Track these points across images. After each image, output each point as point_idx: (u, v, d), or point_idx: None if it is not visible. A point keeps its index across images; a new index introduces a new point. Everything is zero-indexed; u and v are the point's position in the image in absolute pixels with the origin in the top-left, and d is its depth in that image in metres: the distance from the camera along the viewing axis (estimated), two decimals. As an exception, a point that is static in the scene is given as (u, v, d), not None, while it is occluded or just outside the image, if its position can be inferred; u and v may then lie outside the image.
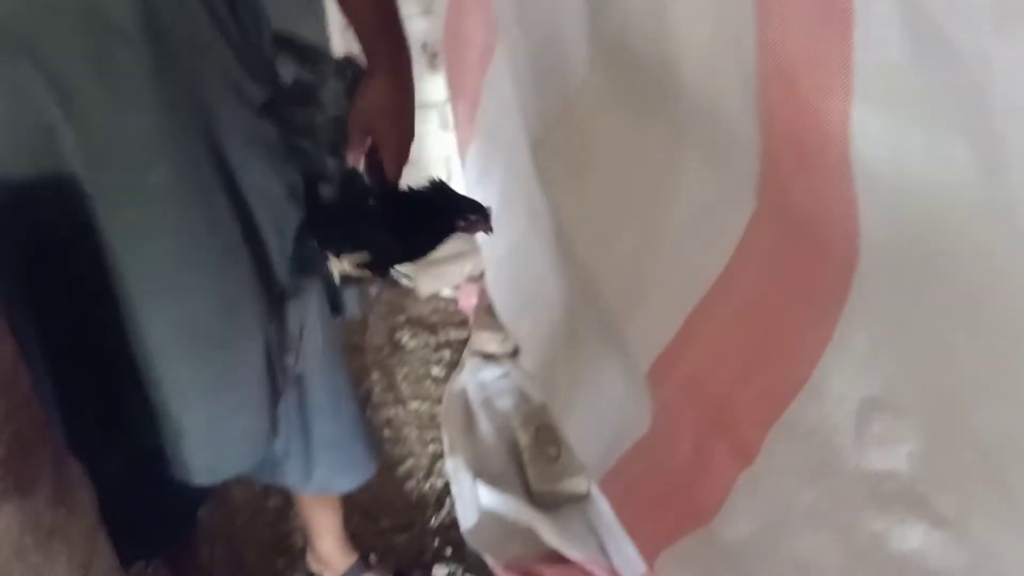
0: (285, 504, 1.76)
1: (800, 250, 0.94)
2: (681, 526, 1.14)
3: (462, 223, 1.08)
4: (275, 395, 1.13)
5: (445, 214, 1.08)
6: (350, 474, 1.36)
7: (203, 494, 1.42)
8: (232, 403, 1.09)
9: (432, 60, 2.27)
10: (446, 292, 2.44)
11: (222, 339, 1.05)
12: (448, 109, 2.35)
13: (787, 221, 0.97)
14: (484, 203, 1.90)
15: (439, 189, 1.10)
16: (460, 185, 2.37)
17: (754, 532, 1.00)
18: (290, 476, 1.30)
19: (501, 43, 1.52)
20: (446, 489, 1.80)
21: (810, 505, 0.91)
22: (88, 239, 0.94)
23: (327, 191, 1.14)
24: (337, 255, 1.11)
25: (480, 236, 1.97)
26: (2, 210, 0.91)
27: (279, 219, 1.07)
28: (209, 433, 1.08)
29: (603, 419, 1.35)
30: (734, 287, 1.07)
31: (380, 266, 1.10)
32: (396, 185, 1.09)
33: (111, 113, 0.91)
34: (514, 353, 2.15)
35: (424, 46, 2.26)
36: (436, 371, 2.15)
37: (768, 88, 0.89)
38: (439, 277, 2.47)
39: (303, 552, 1.65)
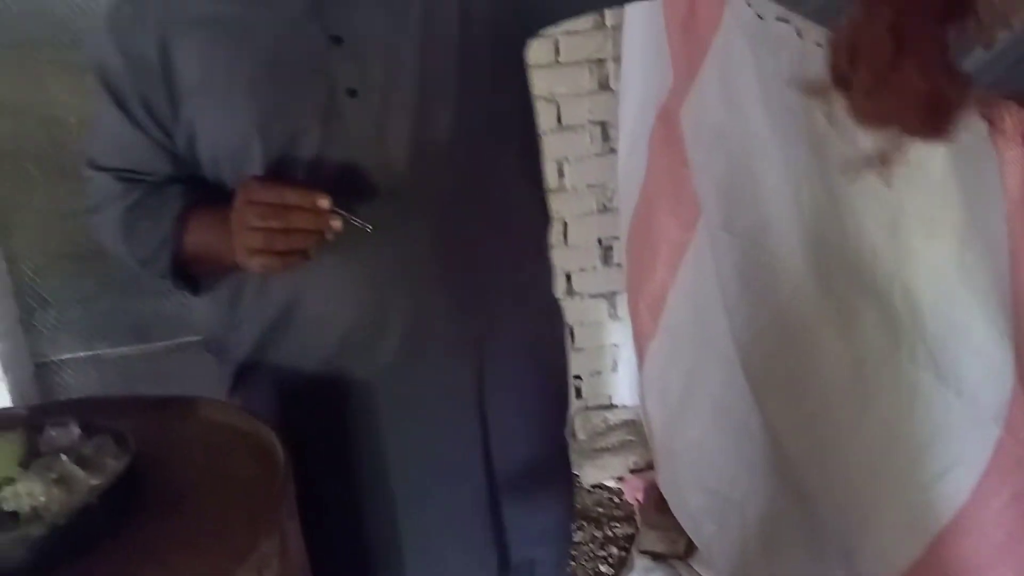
0: None
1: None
2: None
3: None
4: None
5: None
6: None
7: None
8: None
9: (606, 254, 2.35)
10: (609, 483, 2.40)
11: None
12: (617, 299, 2.40)
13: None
14: (663, 398, 1.91)
15: None
16: (632, 377, 2.38)
17: None
18: None
19: (701, 244, 1.55)
20: None
21: None
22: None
23: None
24: None
25: (654, 429, 1.98)
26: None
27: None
28: None
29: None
30: (982, 521, 1.02)
31: None
32: None
33: None
34: (686, 554, 2.07)
35: (599, 240, 2.34)
36: (604, 569, 2.08)
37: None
38: (603, 467, 2.44)
39: None
